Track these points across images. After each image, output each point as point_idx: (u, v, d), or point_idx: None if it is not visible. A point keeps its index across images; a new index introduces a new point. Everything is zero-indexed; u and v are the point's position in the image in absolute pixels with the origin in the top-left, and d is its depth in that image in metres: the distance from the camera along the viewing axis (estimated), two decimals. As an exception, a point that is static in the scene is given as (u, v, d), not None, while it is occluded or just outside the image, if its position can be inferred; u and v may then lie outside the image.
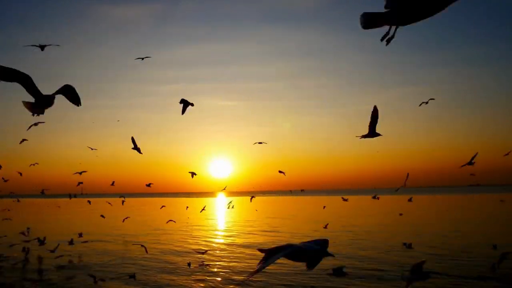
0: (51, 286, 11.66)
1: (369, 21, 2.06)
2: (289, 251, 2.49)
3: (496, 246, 15.70)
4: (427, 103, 9.40)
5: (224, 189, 25.77)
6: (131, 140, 8.79)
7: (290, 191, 37.47)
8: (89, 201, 27.91)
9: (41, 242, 15.39)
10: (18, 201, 25.51)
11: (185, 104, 6.72)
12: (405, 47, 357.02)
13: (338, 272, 12.38)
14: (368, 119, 5.10)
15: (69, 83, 3.41)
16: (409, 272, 5.92)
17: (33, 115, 3.37)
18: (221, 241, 21.74)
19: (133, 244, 17.71)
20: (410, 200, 32.00)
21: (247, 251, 17.63)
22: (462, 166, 8.72)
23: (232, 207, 38.68)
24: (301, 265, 2.58)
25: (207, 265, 14.26)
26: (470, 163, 8.61)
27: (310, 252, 2.57)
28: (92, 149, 12.28)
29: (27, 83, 3.03)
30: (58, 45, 7.88)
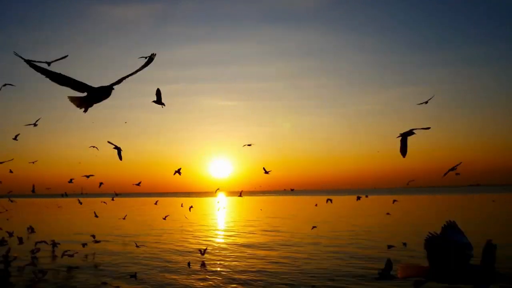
0: (52, 286, 11.69)
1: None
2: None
3: (496, 246, 15.71)
4: (426, 102, 9.43)
5: (217, 190, 25.81)
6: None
7: (284, 190, 37.46)
8: (80, 202, 28.12)
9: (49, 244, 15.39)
10: (11, 201, 25.34)
11: (159, 103, 6.69)
12: (405, 47, 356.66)
13: (384, 275, 10.74)
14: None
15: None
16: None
17: (84, 111, 3.26)
18: (222, 240, 21.79)
19: (130, 243, 17.73)
20: (394, 201, 31.81)
21: (249, 250, 17.69)
22: (445, 174, 8.86)
23: (223, 209, 38.92)
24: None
25: (208, 264, 14.32)
26: (453, 169, 8.71)
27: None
28: (94, 147, 12.27)
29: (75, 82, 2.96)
30: (66, 56, 7.93)
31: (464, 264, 2.72)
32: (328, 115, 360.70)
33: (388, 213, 29.88)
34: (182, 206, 26.39)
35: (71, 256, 14.48)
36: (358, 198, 25.21)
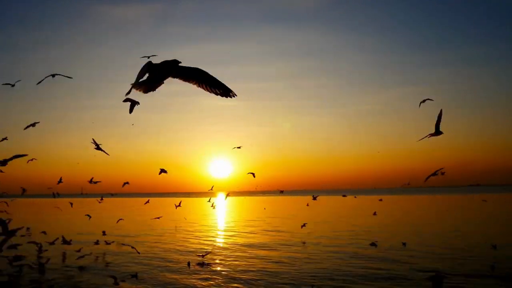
0: (55, 285, 11.72)
1: None
2: None
3: (496, 246, 15.75)
4: (424, 101, 9.49)
5: (211, 189, 25.87)
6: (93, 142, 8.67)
7: (281, 191, 37.50)
8: (71, 203, 28.26)
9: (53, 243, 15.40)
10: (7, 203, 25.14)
11: (132, 103, 6.55)
12: (405, 47, 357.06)
13: (437, 283, 10.53)
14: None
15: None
16: None
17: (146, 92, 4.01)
18: (223, 240, 21.82)
19: (124, 245, 17.77)
20: (380, 200, 31.79)
21: (249, 250, 17.72)
22: (427, 179, 8.99)
23: (214, 207, 39.59)
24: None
25: (209, 264, 14.33)
26: (435, 174, 8.82)
27: None
28: (95, 143, 12.20)
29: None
30: (70, 77, 8.37)
31: None
32: (328, 115, 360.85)
33: (374, 213, 29.88)
34: (176, 207, 26.47)
35: (82, 257, 14.50)
36: (344, 196, 25.19)
